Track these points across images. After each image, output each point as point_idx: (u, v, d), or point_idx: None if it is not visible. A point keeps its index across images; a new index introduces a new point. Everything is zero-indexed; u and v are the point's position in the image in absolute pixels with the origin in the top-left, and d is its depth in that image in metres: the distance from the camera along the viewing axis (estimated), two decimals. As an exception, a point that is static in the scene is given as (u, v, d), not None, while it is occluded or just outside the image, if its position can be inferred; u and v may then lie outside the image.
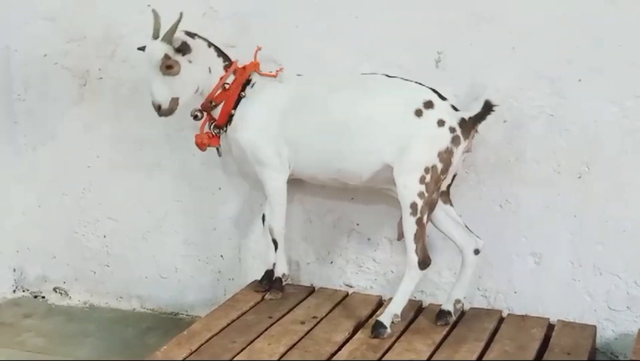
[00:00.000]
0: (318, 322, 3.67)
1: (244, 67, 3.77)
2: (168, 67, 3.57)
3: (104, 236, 4.46)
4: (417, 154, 3.45)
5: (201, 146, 3.77)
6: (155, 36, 3.62)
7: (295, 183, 3.85)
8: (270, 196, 3.77)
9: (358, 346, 3.42)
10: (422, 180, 3.44)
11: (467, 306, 3.80)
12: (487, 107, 3.50)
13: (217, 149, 3.82)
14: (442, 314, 3.64)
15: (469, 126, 3.52)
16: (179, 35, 3.61)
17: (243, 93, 3.74)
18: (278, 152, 3.68)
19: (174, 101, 3.62)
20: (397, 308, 3.52)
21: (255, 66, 3.79)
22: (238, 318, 3.71)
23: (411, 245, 3.45)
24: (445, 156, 3.48)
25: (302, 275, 4.16)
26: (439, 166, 3.47)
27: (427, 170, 3.44)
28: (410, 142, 3.46)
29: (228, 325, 3.64)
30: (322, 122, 3.60)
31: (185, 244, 4.33)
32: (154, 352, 3.37)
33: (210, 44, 3.72)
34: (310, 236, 4.10)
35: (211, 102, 3.72)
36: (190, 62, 3.62)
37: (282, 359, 3.24)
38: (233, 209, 4.23)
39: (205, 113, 3.77)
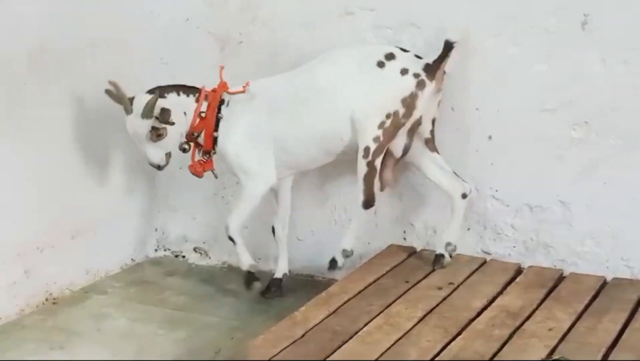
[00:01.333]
0: (455, 288, 3.64)
1: (214, 91, 3.95)
2: (158, 135, 3.84)
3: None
4: (379, 100, 3.73)
5: (197, 174, 4.00)
6: (128, 111, 3.82)
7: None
8: (245, 201, 3.96)
9: (497, 313, 3.38)
10: (381, 125, 3.72)
11: (610, 277, 3.71)
12: (448, 47, 3.74)
13: (213, 172, 4.03)
14: (437, 258, 3.88)
15: (433, 68, 3.75)
16: (154, 103, 3.80)
17: (220, 114, 3.92)
18: (263, 160, 3.91)
19: (168, 155, 3.92)
20: (350, 243, 3.91)
21: (224, 87, 3.95)
22: (375, 281, 3.72)
23: (360, 185, 3.78)
24: (409, 101, 3.74)
25: (438, 241, 4.12)
26: (401, 111, 3.72)
27: (388, 115, 3.72)
28: (373, 90, 3.73)
29: (365, 288, 3.65)
30: (296, 106, 3.86)
31: (322, 207, 4.35)
32: (293, 313, 3.42)
33: (177, 91, 3.93)
34: (449, 201, 4.06)
35: (193, 134, 3.94)
36: (173, 124, 3.85)
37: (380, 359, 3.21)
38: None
39: (191, 143, 3.97)
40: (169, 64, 4.51)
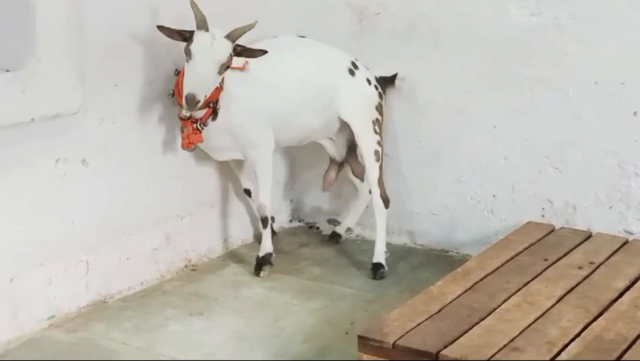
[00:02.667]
0: (596, 268, 3.55)
1: None
2: (226, 67, 3.62)
3: (378, 171, 4.54)
4: (362, 111, 4.08)
5: (189, 146, 3.82)
6: (202, 27, 3.58)
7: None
8: (264, 175, 3.97)
9: (640, 294, 3.29)
10: (375, 131, 4.09)
11: None
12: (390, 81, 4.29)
13: (196, 146, 3.87)
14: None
15: (380, 84, 4.19)
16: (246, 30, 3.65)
17: (220, 86, 3.76)
18: (264, 131, 3.92)
19: (205, 99, 3.63)
20: (384, 245, 4.15)
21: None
22: (512, 258, 3.67)
23: (376, 189, 4.12)
24: (380, 110, 4.13)
25: (578, 219, 4.04)
26: (380, 118, 4.13)
27: (374, 122, 4.09)
28: (353, 98, 4.07)
29: (502, 264, 3.60)
30: (286, 93, 3.96)
31: (458, 182, 4.31)
32: (429, 287, 3.41)
33: None
34: (590, 178, 3.96)
35: (217, 103, 3.77)
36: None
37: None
38: (507, 148, 4.16)
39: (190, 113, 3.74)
40: (306, 36, 4.52)
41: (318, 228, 4.75)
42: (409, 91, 4.35)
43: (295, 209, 4.81)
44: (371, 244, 4.30)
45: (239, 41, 3.64)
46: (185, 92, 3.54)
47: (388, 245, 4.42)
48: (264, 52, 3.69)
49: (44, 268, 3.60)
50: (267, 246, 4.10)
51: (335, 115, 4.10)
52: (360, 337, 3.05)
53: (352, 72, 4.10)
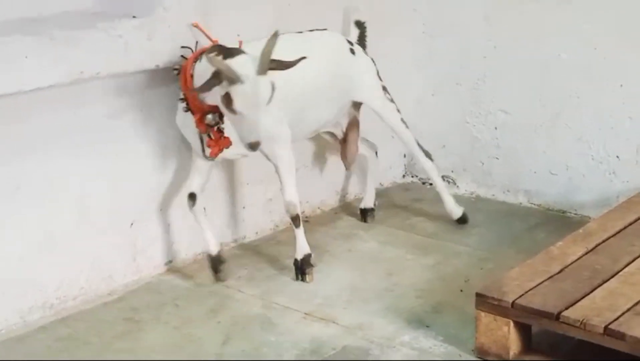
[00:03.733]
0: None
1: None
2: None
3: (495, 128, 4.44)
4: (372, 83, 3.94)
5: (217, 154, 3.41)
6: (262, 71, 3.14)
7: None
8: (287, 170, 3.59)
9: None
10: (391, 99, 3.98)
11: None
12: (361, 27, 4.04)
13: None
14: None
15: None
16: (272, 48, 3.16)
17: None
18: (281, 123, 3.52)
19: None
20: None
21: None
22: (635, 221, 3.56)
23: (420, 152, 4.10)
24: (379, 76, 3.96)
25: None
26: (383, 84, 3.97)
27: (384, 89, 3.96)
28: (362, 77, 3.89)
29: (625, 227, 3.50)
30: (300, 87, 3.61)
31: (579, 142, 4.19)
32: (549, 247, 3.33)
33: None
34: None
35: None
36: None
37: None
38: (633, 108, 4.03)
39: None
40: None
41: (431, 184, 4.68)
42: (532, 47, 4.24)
43: (409, 164, 4.77)
44: (487, 202, 4.25)
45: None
46: (247, 141, 3.18)
47: (503, 204, 4.37)
48: (295, 63, 3.27)
49: (163, 214, 3.66)
50: (304, 246, 3.65)
51: (349, 101, 3.91)
52: (478, 295, 3.01)
53: (352, 52, 3.88)
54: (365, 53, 3.98)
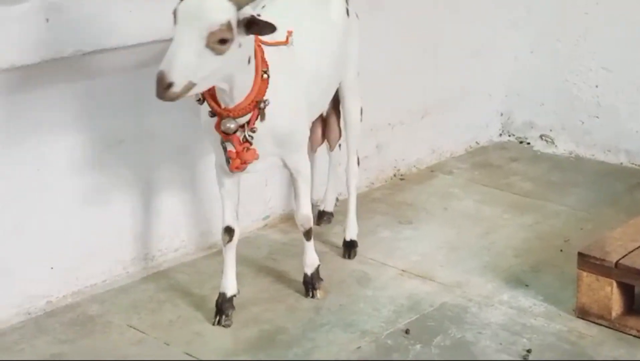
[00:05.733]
0: None
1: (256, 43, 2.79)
2: (222, 41, 2.52)
3: (596, 86, 4.35)
4: (355, 55, 3.36)
5: (240, 168, 2.84)
6: None
7: None
8: (307, 182, 3.07)
9: None
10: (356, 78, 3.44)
11: None
12: None
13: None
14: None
15: None
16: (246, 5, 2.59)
17: (265, 75, 2.77)
18: (306, 128, 3.05)
19: (188, 88, 2.50)
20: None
21: (261, 41, 2.78)
22: None
23: (354, 154, 3.53)
24: None
25: None
26: None
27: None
28: (352, 48, 3.32)
29: None
30: (320, 72, 3.08)
31: (684, 101, 4.10)
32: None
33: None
34: None
35: (265, 102, 2.76)
36: (240, 46, 2.59)
37: None
38: None
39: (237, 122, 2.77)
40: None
41: (529, 143, 4.63)
42: (636, 2, 4.12)
43: (506, 123, 4.70)
44: (586, 162, 4.17)
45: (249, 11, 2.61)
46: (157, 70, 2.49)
47: (602, 164, 4.29)
48: (273, 28, 2.60)
49: (261, 169, 3.68)
50: (314, 260, 3.21)
51: (339, 76, 3.30)
52: (580, 254, 2.97)
53: (347, 12, 3.29)
54: (353, 12, 3.35)
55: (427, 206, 3.93)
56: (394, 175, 4.22)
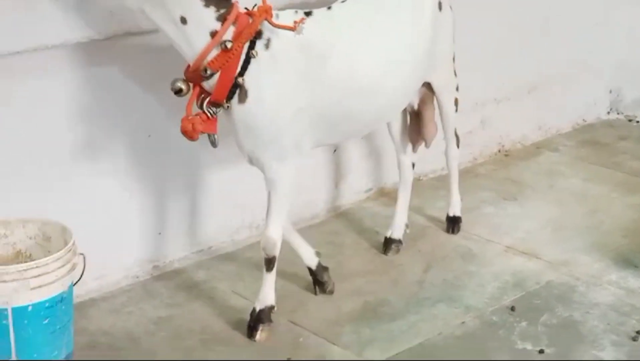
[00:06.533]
0: None
1: (250, 15, 2.58)
2: None
3: None
4: (448, 53, 3.12)
5: (192, 134, 2.57)
6: None
7: None
8: (282, 198, 2.74)
9: None
10: (454, 72, 3.22)
11: None
12: None
13: (212, 137, 2.65)
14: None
15: None
16: None
17: (253, 52, 2.56)
18: (300, 137, 2.70)
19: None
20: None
21: (266, 13, 2.57)
22: None
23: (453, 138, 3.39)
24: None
25: None
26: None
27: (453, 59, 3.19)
28: (442, 46, 3.05)
29: None
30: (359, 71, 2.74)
31: None
32: None
33: None
34: None
35: (205, 71, 2.54)
36: None
37: None
38: None
39: (192, 85, 2.61)
40: None
41: (638, 121, 4.50)
42: None
43: (615, 100, 4.58)
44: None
45: None
46: None
47: None
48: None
49: (365, 140, 3.67)
50: (268, 296, 2.80)
51: (422, 79, 3.05)
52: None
53: (440, 6, 3.00)
54: (449, 4, 3.08)
55: (532, 183, 3.87)
56: (499, 151, 4.16)
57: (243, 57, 2.54)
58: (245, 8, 2.59)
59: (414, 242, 3.35)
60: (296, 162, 2.73)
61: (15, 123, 2.73)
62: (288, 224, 2.91)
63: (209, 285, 3.07)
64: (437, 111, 3.29)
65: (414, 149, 3.33)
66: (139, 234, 3.08)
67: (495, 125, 4.11)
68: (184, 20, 2.49)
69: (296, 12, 2.65)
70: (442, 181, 3.84)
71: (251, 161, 2.73)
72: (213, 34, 2.51)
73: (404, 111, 3.20)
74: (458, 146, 3.43)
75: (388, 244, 3.31)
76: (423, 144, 3.34)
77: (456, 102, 3.28)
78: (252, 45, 2.55)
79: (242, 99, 2.57)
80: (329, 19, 2.70)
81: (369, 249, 3.34)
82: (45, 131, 2.80)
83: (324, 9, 2.74)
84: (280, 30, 2.55)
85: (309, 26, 2.59)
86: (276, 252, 2.76)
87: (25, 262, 2.48)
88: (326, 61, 2.65)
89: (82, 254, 2.54)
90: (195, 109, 2.60)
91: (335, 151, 3.57)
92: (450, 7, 3.08)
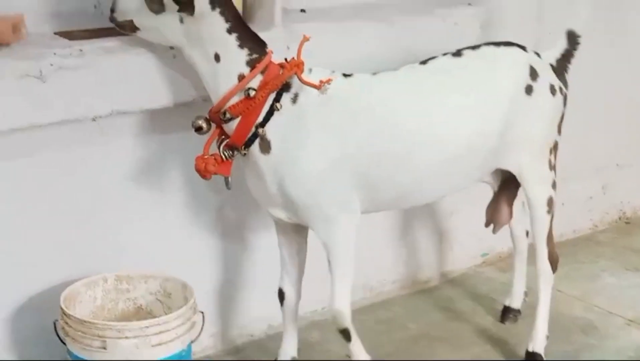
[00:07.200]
0: None
1: (281, 67, 2.50)
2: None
3: None
4: (539, 144, 2.77)
5: (204, 173, 2.50)
6: None
7: None
8: (343, 262, 2.60)
9: None
10: (551, 166, 2.83)
11: None
12: (573, 41, 2.85)
13: (226, 179, 2.58)
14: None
15: (561, 72, 2.83)
16: None
17: (278, 104, 2.49)
18: (344, 195, 2.56)
19: (130, 25, 2.52)
20: (545, 328, 2.92)
21: (297, 67, 2.49)
22: None
23: (543, 247, 2.90)
24: (560, 124, 2.81)
25: None
26: (558, 139, 2.82)
27: (552, 151, 2.81)
28: (529, 134, 2.73)
29: None
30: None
31: None
32: None
33: (233, 24, 2.45)
34: None
35: (224, 114, 2.48)
36: (182, 21, 2.45)
37: None
38: None
39: (213, 125, 2.54)
40: None
41: None
42: None
43: None
44: None
45: None
46: None
47: None
48: (191, 8, 2.41)
49: (479, 204, 3.60)
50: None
51: (494, 165, 2.79)
52: None
53: (529, 90, 2.72)
54: (558, 89, 2.78)
55: (655, 253, 3.75)
56: (619, 218, 4.05)
57: (267, 107, 2.49)
58: (285, 59, 2.52)
59: (533, 310, 3.24)
60: (351, 222, 2.57)
61: (122, 179, 2.75)
62: (291, 312, 2.78)
63: (323, 347, 3.03)
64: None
65: (486, 225, 3.09)
66: (255, 292, 3.07)
67: (616, 191, 4.00)
68: (217, 58, 2.46)
69: (333, 71, 2.56)
70: (561, 249, 3.75)
71: (289, 217, 2.60)
72: (240, 78, 2.46)
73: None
74: (555, 268, 2.93)
75: (506, 313, 3.21)
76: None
77: (550, 202, 2.84)
78: (278, 98, 2.50)
79: (265, 149, 2.51)
80: (391, 81, 2.62)
81: (484, 316, 3.26)
82: (157, 190, 2.82)
83: (391, 71, 2.67)
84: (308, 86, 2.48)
85: (354, 84, 2.54)
86: (347, 323, 2.62)
87: (146, 318, 2.50)
88: (368, 123, 2.53)
89: (201, 312, 2.54)
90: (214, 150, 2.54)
91: (450, 214, 3.53)
92: (558, 91, 2.78)
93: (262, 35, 2.55)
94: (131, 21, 2.50)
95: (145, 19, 2.48)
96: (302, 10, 3.09)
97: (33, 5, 2.67)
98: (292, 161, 2.49)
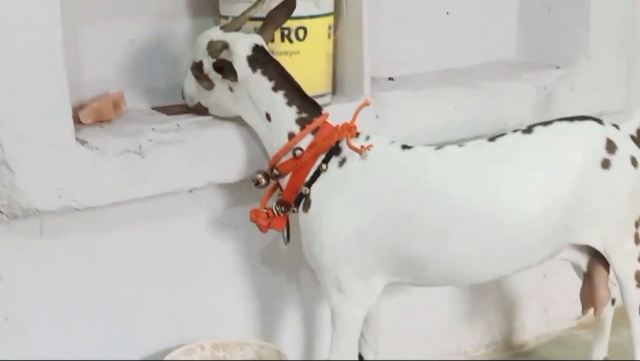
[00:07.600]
0: None
1: (333, 129, 2.49)
2: (197, 76, 2.58)
3: None
4: (620, 220, 2.63)
5: (259, 225, 2.55)
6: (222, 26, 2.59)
7: None
8: (340, 333, 2.54)
9: None
10: (637, 239, 2.70)
11: None
12: None
13: (283, 234, 2.61)
14: None
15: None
16: (237, 48, 2.49)
17: (323, 166, 2.50)
18: (366, 270, 2.50)
19: (201, 106, 2.65)
20: None
21: (349, 130, 2.48)
22: None
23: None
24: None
25: None
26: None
27: (637, 224, 2.68)
28: (607, 210, 2.60)
29: None
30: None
31: None
32: None
33: (278, 82, 2.49)
34: None
35: (272, 170, 2.54)
36: (232, 90, 2.54)
37: None
38: None
39: (271, 180, 2.57)
40: None
41: None
42: None
43: None
44: None
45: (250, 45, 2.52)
46: None
47: None
48: (234, 75, 2.47)
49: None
50: None
51: (565, 240, 2.66)
52: None
53: (606, 164, 2.57)
54: (637, 163, 2.62)
55: None
56: None
57: (315, 168, 2.50)
58: (346, 123, 2.51)
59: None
60: (362, 302, 2.53)
61: (216, 248, 2.81)
62: None
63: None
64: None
65: (584, 312, 2.94)
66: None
67: None
68: (268, 117, 2.51)
69: (392, 142, 2.53)
70: None
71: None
72: (290, 136, 2.49)
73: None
74: None
75: None
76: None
77: (638, 276, 2.73)
78: (327, 159, 2.50)
79: (306, 208, 2.51)
80: (452, 156, 2.53)
81: (582, 382, 3.21)
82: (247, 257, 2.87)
83: (456, 145, 2.58)
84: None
85: (408, 157, 2.49)
86: None
87: (241, 386, 2.55)
88: (413, 198, 2.46)
89: (296, 378, 2.58)
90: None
91: (544, 275, 3.50)
92: (635, 161, 2.61)
93: (352, 104, 2.60)
94: (199, 103, 2.64)
95: (206, 98, 2.61)
96: (390, 79, 3.15)
97: (131, 82, 2.79)
98: (319, 223, 2.49)
